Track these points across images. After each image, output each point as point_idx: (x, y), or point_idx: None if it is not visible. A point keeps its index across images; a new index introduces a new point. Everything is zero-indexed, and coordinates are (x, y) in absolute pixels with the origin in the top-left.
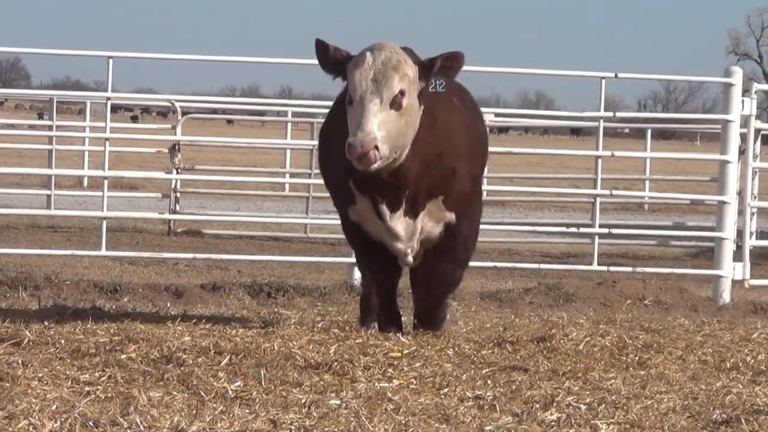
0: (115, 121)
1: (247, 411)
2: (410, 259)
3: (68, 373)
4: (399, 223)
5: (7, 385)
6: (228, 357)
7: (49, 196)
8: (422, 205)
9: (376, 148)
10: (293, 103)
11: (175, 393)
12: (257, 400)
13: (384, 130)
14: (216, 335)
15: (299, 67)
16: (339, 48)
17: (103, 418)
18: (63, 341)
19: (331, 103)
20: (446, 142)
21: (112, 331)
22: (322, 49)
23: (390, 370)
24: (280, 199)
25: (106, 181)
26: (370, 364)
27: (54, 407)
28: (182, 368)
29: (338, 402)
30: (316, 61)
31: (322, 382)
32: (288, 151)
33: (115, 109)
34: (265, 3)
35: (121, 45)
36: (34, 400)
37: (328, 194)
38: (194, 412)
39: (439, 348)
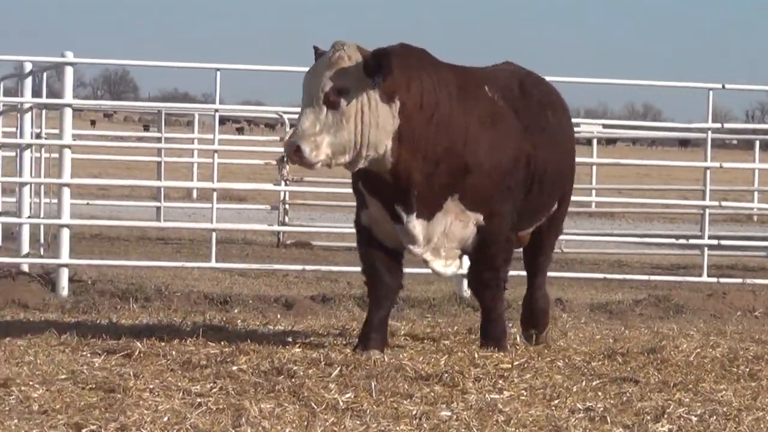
0: (222, 133)
1: (358, 422)
2: (438, 266)
3: (179, 384)
4: (415, 225)
5: (119, 396)
6: (339, 368)
7: (158, 208)
8: (437, 206)
9: (299, 148)
10: None
11: (286, 404)
12: (368, 411)
13: (316, 131)
14: (326, 347)
15: None
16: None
17: (215, 430)
18: (174, 353)
19: None
20: (457, 137)
21: (222, 343)
22: (318, 56)
23: (500, 381)
24: None
25: (215, 193)
26: (481, 376)
27: (165, 419)
28: (293, 380)
29: (449, 413)
30: None
31: (432, 394)
32: None
33: (222, 121)
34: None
35: (229, 57)
36: (145, 412)
37: None
38: (305, 423)
39: (549, 359)
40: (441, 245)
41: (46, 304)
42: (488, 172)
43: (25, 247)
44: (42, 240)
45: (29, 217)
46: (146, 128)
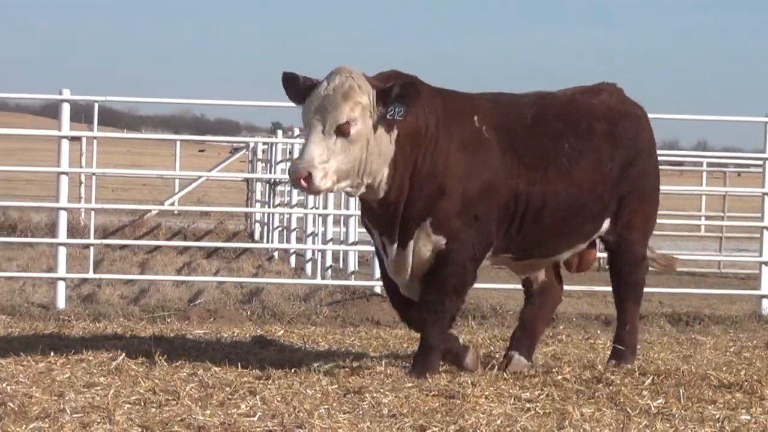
0: None
1: (667, 425)
2: (408, 292)
3: (511, 391)
4: (397, 255)
5: (458, 402)
6: (651, 378)
7: None
8: (412, 233)
9: (310, 175)
10: (708, 155)
11: (604, 409)
12: (677, 415)
13: (325, 159)
14: (640, 359)
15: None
16: (308, 77)
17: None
18: None
19: (743, 154)
20: (439, 161)
21: (549, 355)
22: (290, 80)
23: None
24: (696, 239)
25: None
26: None
27: (498, 422)
28: (610, 387)
29: (748, 417)
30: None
31: (733, 400)
32: (703, 197)
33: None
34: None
35: None
36: (481, 416)
37: (739, 234)
38: (621, 426)
39: None
40: (418, 273)
41: (396, 322)
42: (457, 198)
43: (377, 272)
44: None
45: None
46: None
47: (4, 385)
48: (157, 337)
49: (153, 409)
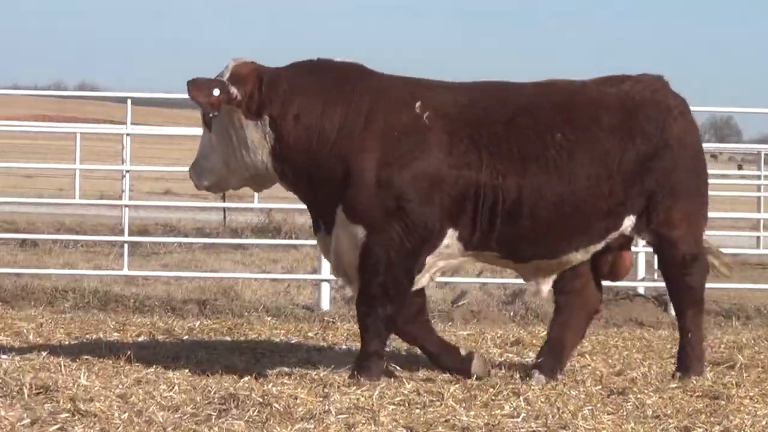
0: None
1: None
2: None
3: None
4: (320, 241)
5: (722, 402)
6: None
7: (758, 237)
8: (328, 220)
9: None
10: None
11: None
12: None
13: (202, 154)
14: None
15: None
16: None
17: None
18: None
19: None
20: (346, 147)
21: None
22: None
23: None
24: None
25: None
26: None
27: (764, 423)
28: None
29: None
30: None
31: None
32: None
33: None
34: None
35: None
36: (746, 417)
37: None
38: None
39: None
40: (347, 267)
41: (659, 322)
42: (372, 185)
43: (641, 272)
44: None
45: None
46: (739, 167)
47: (270, 386)
48: None
49: (417, 410)
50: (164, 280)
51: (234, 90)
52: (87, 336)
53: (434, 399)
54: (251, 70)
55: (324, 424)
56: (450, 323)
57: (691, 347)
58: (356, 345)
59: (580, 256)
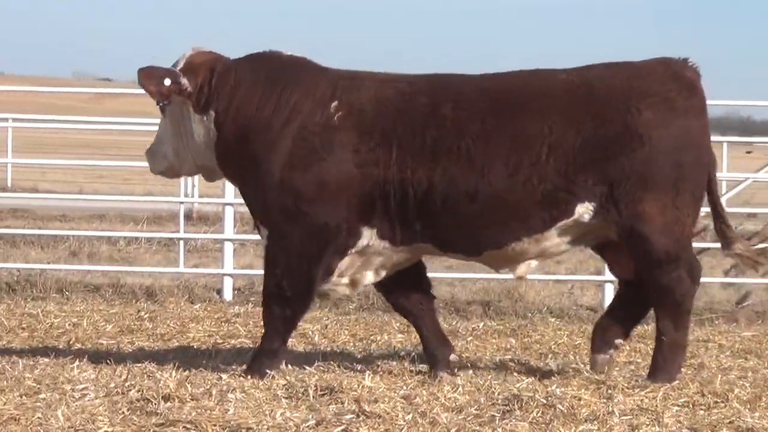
0: None
1: None
2: None
3: None
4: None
5: None
6: None
7: None
8: (257, 216)
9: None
10: None
11: None
12: None
13: (157, 139)
14: None
15: None
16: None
17: None
18: None
19: None
20: (262, 149)
21: None
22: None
23: None
24: None
25: None
26: None
27: None
28: None
29: None
30: None
31: None
32: None
33: None
34: None
35: None
36: None
37: None
38: None
39: None
40: None
41: None
42: (274, 188)
43: None
44: None
45: None
46: None
47: (553, 387)
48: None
49: (701, 412)
50: (448, 281)
51: (185, 81)
52: (371, 337)
53: (718, 400)
54: (205, 61)
55: (608, 426)
56: (734, 324)
57: (662, 354)
58: (637, 345)
59: (529, 246)
